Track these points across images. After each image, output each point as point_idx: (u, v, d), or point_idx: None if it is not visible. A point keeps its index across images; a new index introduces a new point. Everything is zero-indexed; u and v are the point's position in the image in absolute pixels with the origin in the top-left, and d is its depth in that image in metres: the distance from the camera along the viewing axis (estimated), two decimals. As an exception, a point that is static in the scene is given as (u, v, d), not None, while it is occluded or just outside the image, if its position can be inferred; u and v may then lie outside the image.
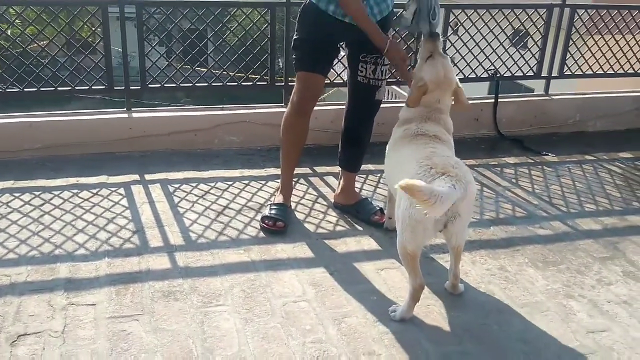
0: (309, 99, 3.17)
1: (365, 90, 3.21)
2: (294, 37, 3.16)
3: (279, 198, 3.33)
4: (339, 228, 3.22)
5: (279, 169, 3.43)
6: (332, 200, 3.47)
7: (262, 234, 3.12)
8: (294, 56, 3.18)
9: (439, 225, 2.40)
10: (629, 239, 3.27)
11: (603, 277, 2.91)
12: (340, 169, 3.47)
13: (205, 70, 4.38)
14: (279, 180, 3.70)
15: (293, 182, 3.46)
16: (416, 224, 2.36)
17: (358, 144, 3.39)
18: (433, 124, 2.71)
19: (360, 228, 3.23)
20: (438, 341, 2.40)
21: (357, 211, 3.32)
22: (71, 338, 2.30)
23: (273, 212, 3.20)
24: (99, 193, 3.47)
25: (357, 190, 3.53)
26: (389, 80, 4.84)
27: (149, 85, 4.21)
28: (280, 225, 3.13)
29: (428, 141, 2.63)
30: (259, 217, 3.24)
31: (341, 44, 3.27)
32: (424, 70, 2.74)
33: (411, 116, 2.77)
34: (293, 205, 3.43)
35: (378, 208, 3.31)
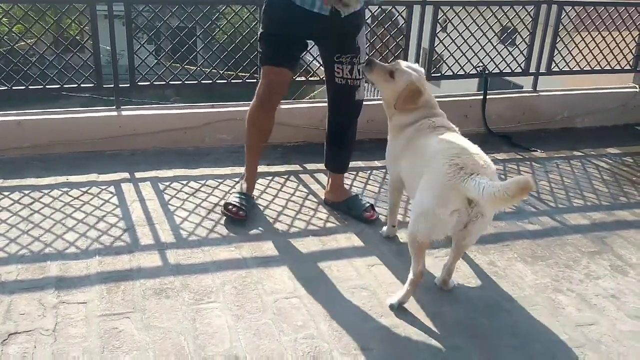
0: (274, 94, 3.13)
1: (344, 92, 3.18)
2: (259, 30, 3.13)
3: (243, 187, 3.35)
4: (329, 225, 3.23)
5: (266, 166, 3.43)
6: (323, 198, 3.48)
7: (253, 231, 3.12)
8: (259, 49, 3.15)
9: (459, 225, 2.39)
10: (616, 234, 3.31)
11: (591, 271, 2.94)
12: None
13: (195, 68, 4.37)
14: (269, 178, 3.72)
15: (257, 175, 3.44)
16: (438, 221, 2.37)
17: (344, 146, 3.38)
18: (442, 119, 2.73)
19: (350, 225, 3.24)
20: (429, 336, 2.42)
21: (348, 208, 3.33)
22: (62, 336, 2.30)
23: (236, 200, 3.21)
24: (89, 191, 3.46)
25: (347, 187, 3.54)
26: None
27: (138, 84, 4.20)
28: (241, 214, 3.16)
29: (450, 133, 2.61)
30: (250, 214, 3.25)
31: (311, 43, 3.24)
32: (403, 78, 2.72)
33: (411, 120, 2.73)
34: (283, 202, 3.44)
35: (369, 204, 3.32)
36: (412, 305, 2.59)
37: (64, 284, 2.61)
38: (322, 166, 3.59)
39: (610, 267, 2.99)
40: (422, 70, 2.82)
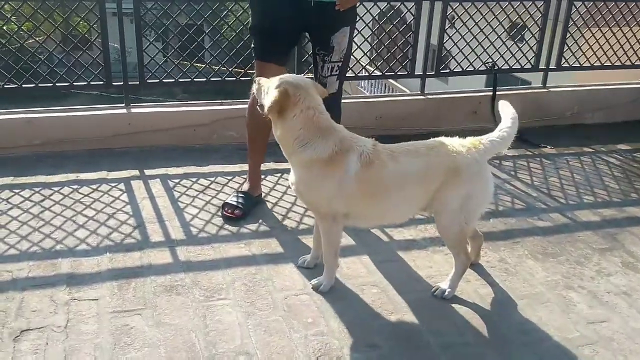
0: None
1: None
2: (250, 24, 3.14)
3: (245, 186, 3.37)
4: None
5: (278, 163, 3.43)
6: None
7: (262, 228, 3.12)
8: (252, 44, 3.17)
9: None
10: (627, 230, 3.29)
11: (602, 268, 2.93)
12: None
13: (203, 65, 4.37)
14: (277, 175, 3.72)
15: (261, 171, 3.44)
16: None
17: None
18: (357, 137, 2.52)
19: (360, 221, 3.24)
20: (439, 332, 2.41)
21: None
22: (74, 333, 2.31)
23: (233, 200, 3.24)
24: (99, 189, 3.47)
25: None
26: (387, 74, 4.89)
27: (147, 81, 4.20)
28: (237, 213, 3.18)
29: (408, 147, 2.54)
30: (259, 212, 3.25)
31: (304, 33, 3.23)
32: (275, 84, 2.45)
33: (328, 150, 2.41)
34: (292, 199, 3.44)
35: None
36: (421, 302, 2.58)
37: (75, 281, 2.62)
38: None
39: (622, 263, 2.97)
40: (312, 84, 2.54)
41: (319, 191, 2.48)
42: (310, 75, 3.72)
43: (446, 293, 2.62)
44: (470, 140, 2.55)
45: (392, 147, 2.53)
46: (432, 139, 2.58)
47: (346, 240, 3.05)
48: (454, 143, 2.54)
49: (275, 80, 2.46)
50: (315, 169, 2.43)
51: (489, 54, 4.84)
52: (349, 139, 2.47)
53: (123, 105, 4.20)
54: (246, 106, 4.24)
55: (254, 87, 2.63)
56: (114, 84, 4.17)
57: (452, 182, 2.46)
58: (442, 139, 2.57)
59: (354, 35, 4.43)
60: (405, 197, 2.52)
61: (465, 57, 4.81)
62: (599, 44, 5.07)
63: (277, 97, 2.37)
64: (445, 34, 4.65)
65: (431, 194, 2.50)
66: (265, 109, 2.43)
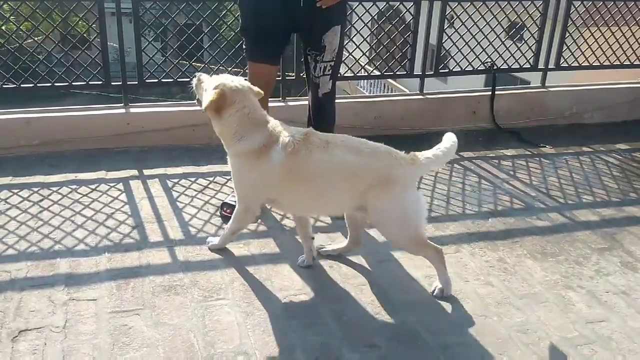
0: (261, 87, 3.14)
1: (311, 85, 3.21)
2: (240, 25, 3.14)
3: None
4: (337, 222, 3.22)
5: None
6: None
7: (261, 228, 3.12)
8: (243, 45, 3.17)
9: None
10: (626, 230, 3.29)
11: (601, 267, 2.93)
12: None
13: (202, 65, 4.37)
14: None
15: None
16: (424, 210, 2.58)
17: None
18: (291, 128, 2.60)
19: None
20: (438, 332, 2.41)
21: None
22: (72, 333, 2.30)
23: (233, 200, 3.22)
24: (97, 188, 3.47)
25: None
26: (386, 74, 4.89)
27: (146, 81, 4.20)
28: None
29: (336, 139, 2.58)
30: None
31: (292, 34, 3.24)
32: (213, 84, 2.59)
33: (259, 142, 2.55)
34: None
35: None
36: (420, 303, 2.58)
37: (73, 281, 2.62)
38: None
39: (621, 263, 2.97)
40: (242, 82, 2.67)
41: (245, 179, 2.66)
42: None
43: (444, 291, 2.62)
44: (410, 155, 2.55)
45: (335, 139, 2.59)
46: (381, 145, 2.57)
47: (344, 240, 3.05)
48: (398, 154, 2.54)
49: (214, 80, 2.61)
50: (244, 159, 2.60)
51: (487, 54, 4.84)
52: (279, 131, 2.57)
53: (122, 105, 4.20)
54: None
55: (194, 81, 2.73)
56: (112, 83, 4.16)
57: (384, 190, 2.47)
58: (390, 148, 2.56)
59: (353, 35, 4.45)
60: (332, 190, 2.55)
61: (464, 57, 4.81)
62: (597, 43, 5.07)
63: (214, 98, 2.53)
64: (444, 33, 4.65)
65: (360, 194, 2.51)
66: (203, 107, 2.58)
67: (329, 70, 3.12)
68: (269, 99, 3.35)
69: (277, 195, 2.64)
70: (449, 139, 2.60)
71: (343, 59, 3.31)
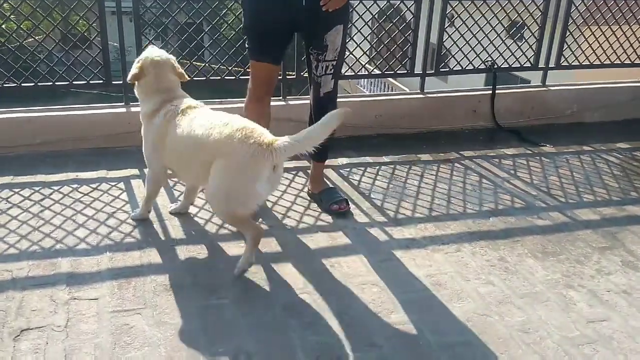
0: (260, 86, 3.19)
1: (313, 84, 3.22)
2: (242, 24, 3.16)
3: None
4: (338, 220, 3.23)
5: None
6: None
7: (262, 227, 3.11)
8: (246, 44, 3.19)
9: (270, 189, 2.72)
10: (627, 229, 3.29)
11: (602, 267, 2.93)
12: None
13: (203, 64, 4.37)
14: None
15: None
16: (256, 194, 2.58)
17: None
18: (184, 99, 2.87)
19: (359, 221, 3.24)
20: (440, 332, 2.41)
21: (321, 200, 3.35)
22: (74, 332, 2.31)
23: None
24: (98, 188, 3.47)
25: (354, 182, 3.54)
26: (386, 73, 4.88)
27: (147, 80, 4.19)
28: None
29: (201, 110, 2.80)
30: (259, 211, 3.24)
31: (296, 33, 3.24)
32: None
33: (152, 106, 2.86)
34: (292, 198, 3.45)
35: (341, 198, 3.32)
36: (422, 301, 2.58)
37: (75, 280, 2.62)
38: (329, 162, 3.59)
39: (622, 262, 2.97)
40: (166, 56, 2.95)
41: (144, 141, 2.96)
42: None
43: (239, 269, 2.69)
44: (271, 139, 2.56)
45: (207, 112, 2.79)
46: (243, 122, 2.63)
47: (345, 239, 3.06)
48: (251, 132, 2.55)
49: (140, 56, 2.94)
50: (144, 122, 2.94)
51: (488, 53, 4.84)
52: (172, 98, 2.87)
53: (123, 104, 4.19)
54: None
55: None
56: (113, 82, 4.16)
57: (217, 164, 2.56)
58: (251, 127, 2.60)
59: (354, 33, 4.45)
60: (189, 159, 2.74)
61: (465, 56, 4.80)
62: (598, 42, 5.07)
63: (135, 72, 2.90)
64: (444, 32, 4.64)
65: (206, 165, 2.60)
66: (128, 79, 2.94)
67: (330, 70, 3.12)
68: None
69: (165, 160, 2.90)
70: (325, 118, 2.61)
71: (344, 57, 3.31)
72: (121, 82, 4.15)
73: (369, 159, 4.01)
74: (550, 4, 4.81)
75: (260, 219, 3.18)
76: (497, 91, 4.81)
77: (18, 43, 4.03)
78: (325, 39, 3.03)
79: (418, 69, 4.78)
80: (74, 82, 4.15)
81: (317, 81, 3.16)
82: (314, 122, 3.27)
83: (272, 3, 2.98)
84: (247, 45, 3.17)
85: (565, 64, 5.06)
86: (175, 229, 3.07)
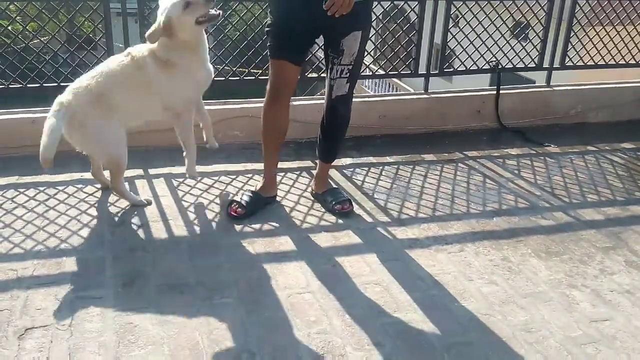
0: (281, 86, 3.15)
1: (328, 87, 3.21)
2: (267, 23, 3.15)
3: (257, 185, 3.41)
4: (341, 220, 3.23)
5: (281, 162, 3.44)
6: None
7: (265, 227, 3.13)
8: (268, 43, 3.18)
9: None
10: (631, 229, 3.29)
11: (606, 266, 2.92)
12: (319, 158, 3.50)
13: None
14: (281, 174, 3.73)
15: (274, 171, 3.44)
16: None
17: (331, 138, 3.39)
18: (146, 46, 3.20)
19: (362, 221, 3.24)
20: (442, 332, 2.42)
21: (324, 200, 3.36)
22: (78, 331, 2.32)
23: (238, 198, 3.28)
24: (103, 188, 3.48)
25: (358, 182, 3.54)
26: (390, 73, 4.89)
27: (152, 80, 4.20)
28: (239, 211, 3.20)
29: None
30: (263, 210, 3.26)
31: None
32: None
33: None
34: (296, 198, 3.45)
35: (344, 198, 3.33)
36: (424, 301, 2.59)
37: (79, 280, 2.64)
38: (334, 163, 3.59)
39: (625, 262, 2.97)
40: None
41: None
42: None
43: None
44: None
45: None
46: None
47: (349, 239, 3.06)
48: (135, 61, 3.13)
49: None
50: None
51: (492, 53, 4.84)
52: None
53: (127, 104, 4.20)
54: (251, 106, 4.29)
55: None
56: (118, 83, 4.17)
57: None
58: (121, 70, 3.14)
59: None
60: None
61: (469, 56, 4.80)
62: (603, 42, 5.06)
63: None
64: (449, 33, 4.65)
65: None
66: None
67: (346, 74, 3.12)
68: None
69: None
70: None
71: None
72: (126, 82, 4.17)
73: (372, 159, 4.01)
74: (554, 5, 4.81)
75: (264, 219, 3.19)
76: (501, 91, 4.81)
77: (24, 44, 4.06)
78: (342, 43, 3.04)
79: (422, 70, 4.78)
80: (79, 83, 4.16)
81: (330, 84, 3.17)
82: (324, 123, 3.30)
83: (295, 8, 2.98)
84: (268, 44, 3.15)
85: (569, 64, 5.05)
86: (179, 228, 3.08)
